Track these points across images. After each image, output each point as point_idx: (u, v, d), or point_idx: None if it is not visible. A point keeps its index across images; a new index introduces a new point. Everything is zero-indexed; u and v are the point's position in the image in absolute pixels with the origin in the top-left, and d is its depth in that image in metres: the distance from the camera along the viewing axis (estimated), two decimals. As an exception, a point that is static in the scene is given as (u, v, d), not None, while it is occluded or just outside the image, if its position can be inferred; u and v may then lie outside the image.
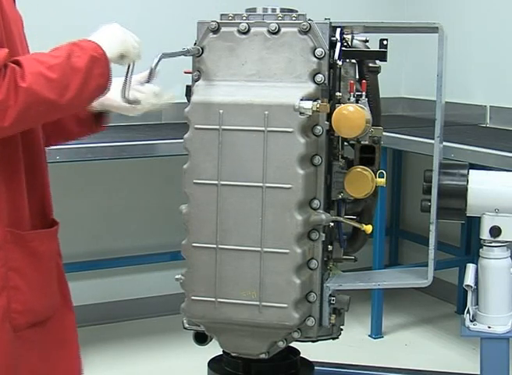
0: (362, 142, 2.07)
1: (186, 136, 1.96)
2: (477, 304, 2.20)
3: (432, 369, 2.82)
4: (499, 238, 2.13)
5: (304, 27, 1.94)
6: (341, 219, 2.08)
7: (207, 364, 2.20)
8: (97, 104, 1.88)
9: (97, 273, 4.26)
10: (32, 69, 1.53)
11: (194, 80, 2.03)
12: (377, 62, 2.14)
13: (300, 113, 1.84)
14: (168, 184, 4.06)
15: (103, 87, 1.66)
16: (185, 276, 2.00)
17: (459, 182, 2.12)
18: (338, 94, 2.00)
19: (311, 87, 1.93)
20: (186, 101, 2.04)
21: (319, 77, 1.94)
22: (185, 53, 1.95)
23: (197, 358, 2.32)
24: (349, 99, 2.02)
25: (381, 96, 2.18)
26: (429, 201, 2.07)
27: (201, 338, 2.15)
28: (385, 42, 2.04)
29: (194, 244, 1.97)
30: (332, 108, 1.91)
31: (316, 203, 1.96)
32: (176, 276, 2.04)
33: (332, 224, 2.05)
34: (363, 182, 2.01)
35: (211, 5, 3.94)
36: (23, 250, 1.68)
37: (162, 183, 4.32)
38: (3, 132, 1.55)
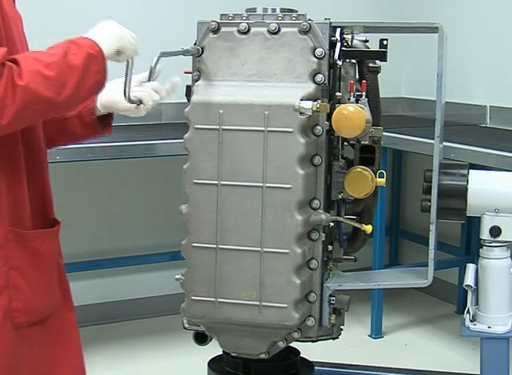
0: (362, 142, 2.07)
1: (186, 136, 1.96)
2: (477, 304, 2.20)
3: (432, 369, 2.82)
4: (499, 238, 2.13)
5: (304, 27, 1.94)
6: (341, 219, 2.09)
7: (207, 364, 2.20)
8: (101, 107, 1.88)
9: (97, 273, 4.26)
10: (29, 67, 1.53)
11: (194, 80, 2.03)
12: (377, 62, 2.14)
13: (300, 113, 1.84)
14: (168, 184, 4.06)
15: (100, 84, 1.66)
16: (185, 276, 2.00)
17: (459, 182, 2.12)
18: (338, 94, 2.00)
19: (311, 87, 1.93)
20: (186, 101, 2.04)
21: (319, 77, 1.94)
22: (184, 53, 1.95)
23: (197, 358, 2.33)
24: (349, 99, 2.02)
25: (381, 96, 2.18)
26: (429, 201, 2.07)
27: (201, 338, 2.15)
28: (385, 42, 2.04)
29: (194, 244, 1.97)
30: (332, 108, 1.91)
31: (316, 203, 1.96)
32: (176, 276, 2.04)
33: (332, 224, 2.05)
34: (363, 182, 2.01)
35: (211, 5, 3.94)
36: (24, 249, 1.68)
37: (162, 183, 4.32)
38: (1, 130, 1.55)
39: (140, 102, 1.83)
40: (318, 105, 1.84)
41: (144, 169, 4.32)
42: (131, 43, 1.72)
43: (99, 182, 4.27)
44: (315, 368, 2.24)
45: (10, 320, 1.66)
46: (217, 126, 1.92)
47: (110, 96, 1.87)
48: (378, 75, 2.17)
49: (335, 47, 1.98)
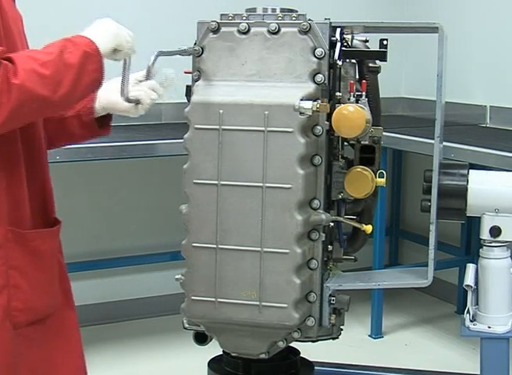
0: (362, 142, 2.07)
1: (186, 136, 1.96)
2: (477, 304, 2.20)
3: (432, 369, 2.82)
4: (499, 238, 2.13)
5: (304, 27, 1.94)
6: (341, 219, 2.08)
7: (207, 364, 2.20)
8: (99, 108, 1.88)
9: (97, 273, 4.26)
10: (25, 65, 1.53)
11: (194, 80, 2.03)
12: (377, 62, 2.14)
13: (300, 113, 1.84)
14: (168, 184, 4.06)
15: (97, 83, 1.65)
16: (185, 276, 2.00)
17: (459, 182, 2.12)
18: (338, 94, 2.00)
19: (311, 87, 1.93)
20: (186, 101, 2.04)
21: (319, 77, 1.94)
22: (181, 52, 1.95)
23: (197, 358, 2.32)
24: (349, 99, 2.02)
25: (381, 96, 2.18)
26: (429, 201, 2.07)
27: (201, 338, 2.15)
28: (385, 42, 2.04)
29: (194, 244, 1.97)
30: (332, 108, 1.91)
31: (316, 203, 1.96)
32: (176, 276, 2.04)
33: (332, 224, 2.04)
34: (363, 182, 2.01)
35: (211, 5, 3.94)
36: (23, 249, 1.68)
37: (162, 183, 4.32)
38: None
39: (138, 102, 1.83)
40: (318, 105, 1.84)
41: (143, 169, 4.32)
42: (128, 41, 1.71)
43: (99, 182, 4.27)
44: (315, 368, 2.24)
45: (10, 320, 1.66)
46: (217, 126, 1.92)
47: (108, 97, 1.86)
48: (378, 75, 2.17)
49: (335, 47, 1.98)
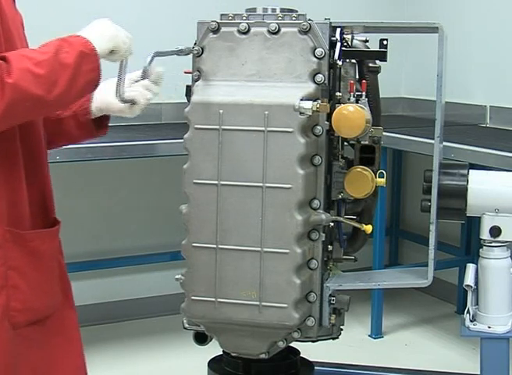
0: (362, 142, 2.07)
1: (186, 136, 1.96)
2: (477, 304, 2.20)
3: (432, 369, 2.82)
4: (499, 238, 2.13)
5: (304, 27, 1.94)
6: (341, 219, 2.08)
7: (207, 364, 2.20)
8: (95, 109, 1.87)
9: (97, 273, 4.27)
10: (19, 64, 1.52)
11: (194, 80, 2.02)
12: (377, 62, 2.14)
13: (300, 113, 1.84)
14: (168, 184, 4.06)
15: (93, 83, 1.64)
16: (185, 276, 2.00)
17: (459, 182, 2.12)
18: (338, 94, 2.00)
19: (311, 87, 1.93)
20: (186, 101, 2.04)
21: (319, 77, 1.94)
22: (178, 52, 1.94)
23: (197, 358, 2.32)
24: (349, 99, 2.02)
25: (381, 96, 2.18)
26: (429, 201, 2.07)
27: (201, 338, 2.15)
28: (385, 42, 2.04)
29: (194, 244, 1.97)
30: (332, 108, 1.91)
31: (316, 203, 1.96)
32: (176, 276, 2.04)
33: (332, 224, 2.04)
34: (363, 182, 2.01)
35: (211, 5, 3.95)
36: (22, 249, 1.67)
37: (162, 183, 4.32)
38: None
39: (133, 102, 1.82)
40: (318, 105, 1.84)
41: (144, 169, 4.32)
42: (125, 43, 1.70)
43: (99, 182, 4.27)
44: (315, 368, 2.24)
45: (8, 320, 1.66)
46: (217, 126, 1.92)
47: (103, 97, 1.86)
48: (378, 75, 2.17)
49: (335, 47, 1.97)
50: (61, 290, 1.81)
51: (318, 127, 1.94)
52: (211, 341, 2.14)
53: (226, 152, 1.92)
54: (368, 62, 2.14)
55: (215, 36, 2.00)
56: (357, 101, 2.00)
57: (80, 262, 4.07)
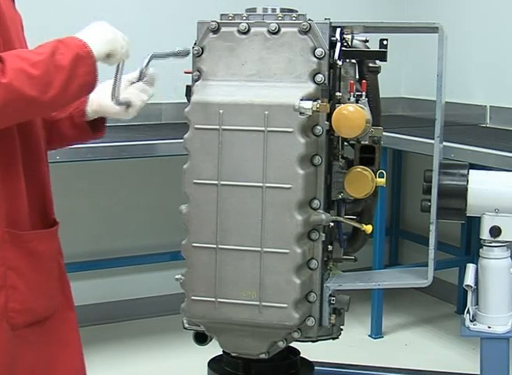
0: (362, 142, 2.07)
1: (186, 136, 1.96)
2: (477, 304, 2.20)
3: (432, 369, 2.82)
4: (499, 238, 2.13)
5: (304, 27, 1.94)
6: (341, 219, 2.08)
7: (207, 364, 2.20)
8: (90, 111, 1.87)
9: (97, 273, 4.27)
10: (14, 65, 1.51)
11: (194, 80, 2.03)
12: (377, 62, 2.14)
13: (300, 113, 1.84)
14: (168, 184, 4.06)
15: (89, 86, 1.63)
16: (185, 276, 2.00)
17: (459, 182, 2.12)
18: (338, 94, 2.00)
19: (311, 87, 1.93)
20: (186, 101, 2.04)
21: (319, 77, 1.94)
22: (176, 54, 1.93)
23: (197, 358, 2.32)
24: (349, 99, 2.02)
25: (381, 96, 2.18)
26: (429, 201, 2.07)
27: (201, 338, 2.15)
28: (385, 42, 2.04)
29: (194, 244, 1.97)
30: (332, 108, 1.91)
31: (316, 203, 1.96)
32: (176, 276, 2.04)
33: (332, 224, 2.04)
34: (363, 182, 2.01)
35: (211, 5, 3.95)
36: (20, 250, 1.67)
37: (162, 183, 4.32)
38: None
39: (129, 105, 1.82)
40: (318, 105, 1.84)
41: (143, 169, 4.32)
42: (122, 46, 1.69)
43: (99, 182, 4.27)
44: (315, 368, 2.24)
45: (7, 321, 1.65)
46: (217, 126, 1.92)
47: (98, 100, 1.85)
48: (378, 75, 2.17)
49: (335, 47, 1.98)
50: (60, 290, 1.81)
51: (318, 127, 1.94)
52: (211, 341, 2.14)
53: (226, 152, 1.92)
54: (368, 62, 2.14)
55: (215, 36, 2.00)
56: (357, 101, 2.00)
57: (79, 262, 4.07)
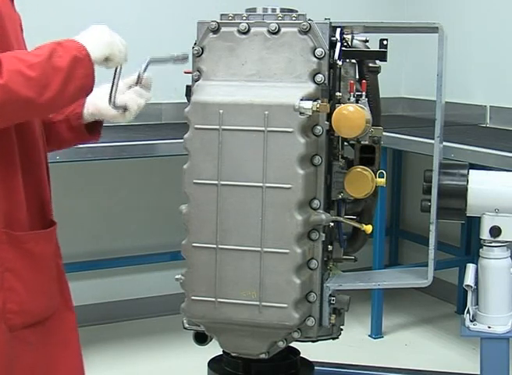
0: (362, 142, 2.07)
1: (186, 136, 1.96)
2: (477, 304, 2.20)
3: (432, 369, 2.82)
4: (499, 238, 2.13)
5: (304, 27, 1.94)
6: (341, 219, 2.08)
7: (207, 364, 2.20)
8: (87, 114, 1.87)
9: (97, 273, 4.27)
10: (11, 66, 1.51)
11: (194, 80, 2.03)
12: (377, 62, 2.14)
13: (300, 113, 1.84)
14: (168, 184, 4.07)
15: (86, 89, 1.63)
16: (185, 276, 2.00)
17: (459, 182, 2.12)
18: (338, 94, 2.00)
19: (311, 87, 1.93)
20: (186, 101, 2.04)
21: (319, 77, 1.94)
22: (173, 59, 1.92)
23: (197, 358, 2.33)
24: (349, 99, 2.02)
25: (381, 96, 2.18)
26: (429, 201, 2.07)
27: (201, 338, 2.15)
28: (385, 42, 2.04)
29: (194, 244, 1.97)
30: (332, 108, 1.91)
31: (316, 203, 1.96)
32: (176, 276, 2.04)
33: (332, 224, 2.05)
34: (363, 182, 2.01)
35: (211, 5, 3.95)
36: (18, 251, 1.66)
37: (162, 183, 4.32)
38: None
39: (125, 108, 1.82)
40: (318, 105, 1.84)
41: (144, 169, 4.32)
42: (121, 51, 1.69)
43: (99, 182, 4.27)
44: (315, 368, 2.24)
45: (4, 322, 1.65)
46: (217, 126, 1.92)
47: (95, 103, 1.85)
48: (378, 75, 2.17)
49: (335, 47, 1.98)
50: (59, 291, 1.80)
51: (318, 127, 1.94)
52: (211, 341, 2.14)
53: (226, 152, 1.92)
54: (368, 62, 2.14)
55: (215, 36, 2.00)
56: (357, 101, 2.00)
57: (79, 262, 4.07)
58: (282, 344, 2.01)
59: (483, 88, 4.55)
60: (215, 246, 1.95)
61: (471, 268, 2.23)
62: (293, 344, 2.12)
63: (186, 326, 2.13)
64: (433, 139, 2.06)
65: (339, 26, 2.00)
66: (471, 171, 2.15)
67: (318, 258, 1.99)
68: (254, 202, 1.91)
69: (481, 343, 2.19)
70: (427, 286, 2.07)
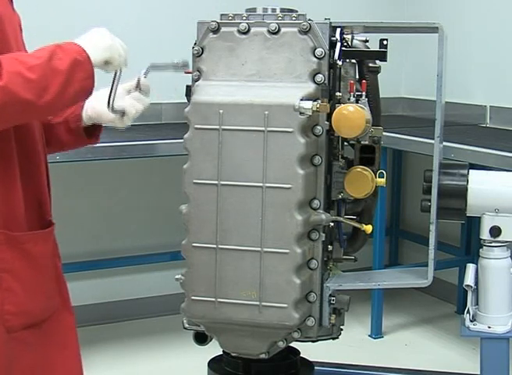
0: (362, 142, 2.07)
1: (186, 136, 1.96)
2: (477, 304, 2.20)
3: (432, 369, 2.82)
4: (499, 238, 2.13)
5: (304, 27, 1.94)
6: (341, 219, 2.08)
7: (207, 364, 2.20)
8: (86, 117, 1.87)
9: (97, 273, 4.27)
10: (10, 68, 1.51)
11: (194, 80, 2.03)
12: (377, 62, 2.14)
13: (300, 113, 1.84)
14: (168, 184, 4.07)
15: (85, 91, 1.63)
16: (185, 276, 2.00)
17: (459, 182, 2.12)
18: (338, 94, 2.00)
19: (311, 87, 1.93)
20: (186, 101, 2.04)
21: (319, 77, 1.94)
22: (174, 66, 1.92)
23: (197, 358, 2.33)
24: (349, 99, 2.02)
25: (381, 96, 2.18)
26: (429, 201, 2.07)
27: (201, 338, 2.15)
28: (385, 42, 2.04)
29: (194, 244, 1.97)
30: (332, 108, 1.91)
31: (316, 203, 1.96)
32: (176, 276, 2.04)
33: (332, 224, 2.04)
34: (363, 182, 2.01)
35: (211, 5, 3.95)
36: (16, 251, 1.66)
37: (162, 183, 4.32)
38: None
39: (124, 113, 1.82)
40: (318, 105, 1.84)
41: (144, 169, 4.32)
42: (120, 55, 1.69)
43: (99, 182, 4.27)
44: (315, 368, 2.24)
45: (2, 323, 1.65)
46: (217, 126, 1.92)
47: (94, 107, 1.85)
48: (378, 75, 2.17)
49: (335, 47, 1.98)
50: (57, 292, 1.80)
51: (318, 127, 1.94)
52: (211, 341, 2.14)
53: (226, 152, 1.92)
54: (368, 62, 2.14)
55: (215, 36, 2.00)
56: (357, 101, 2.00)
57: (79, 262, 4.07)
58: (282, 344, 2.01)
59: (483, 88, 4.56)
60: (215, 246, 1.95)
61: (471, 268, 2.23)
62: (293, 344, 2.12)
63: (186, 326, 2.13)
64: (433, 139, 2.06)
65: (339, 26, 2.00)
66: (471, 171, 2.15)
67: (318, 258, 1.99)
68: (254, 202, 1.91)
69: (481, 343, 2.19)
70: (427, 286, 2.07)
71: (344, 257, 2.16)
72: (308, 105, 1.83)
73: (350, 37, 2.12)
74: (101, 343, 3.97)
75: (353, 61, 2.13)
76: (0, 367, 1.66)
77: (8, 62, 1.52)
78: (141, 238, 4.39)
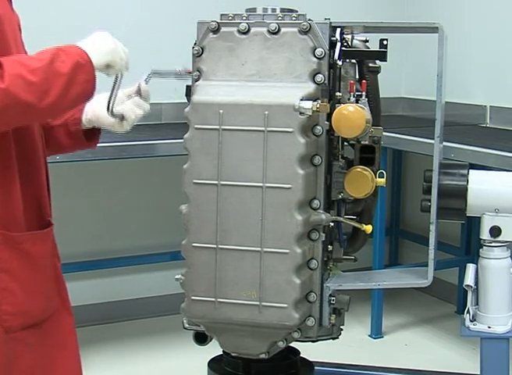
0: (362, 142, 2.07)
1: (186, 136, 1.96)
2: (477, 304, 2.20)
3: (432, 369, 2.82)
4: (499, 238, 2.13)
5: (304, 27, 1.94)
6: (341, 219, 2.08)
7: (207, 364, 2.20)
8: (85, 121, 1.87)
9: (97, 273, 4.27)
10: (12, 70, 1.51)
11: (194, 80, 2.02)
12: (377, 62, 2.14)
13: (300, 113, 1.84)
14: (168, 184, 4.07)
15: (86, 95, 1.64)
16: (185, 276, 2.00)
17: (459, 182, 2.12)
18: (338, 94, 2.00)
19: (311, 87, 1.93)
20: (186, 101, 2.04)
21: (319, 77, 1.94)
22: (175, 74, 1.91)
23: (197, 358, 2.32)
24: (349, 99, 2.02)
25: (381, 96, 2.18)
26: (429, 201, 2.07)
27: (201, 338, 2.15)
28: (385, 42, 2.04)
29: (194, 244, 1.97)
30: (332, 108, 1.91)
31: (316, 203, 1.96)
32: (176, 276, 2.04)
33: (332, 224, 2.04)
34: (363, 182, 2.01)
35: (211, 5, 3.95)
36: (14, 251, 1.66)
37: (162, 183, 4.32)
38: None
39: (123, 117, 1.82)
40: (318, 105, 1.84)
41: (144, 169, 4.32)
42: (122, 58, 1.70)
43: (99, 182, 4.27)
44: (315, 368, 2.24)
45: (1, 324, 1.65)
46: (217, 126, 1.92)
47: (94, 110, 1.85)
48: (378, 75, 2.17)
49: (335, 47, 1.98)
50: (56, 292, 1.80)
51: (318, 127, 1.94)
52: (211, 341, 2.14)
53: (226, 152, 1.92)
54: (368, 62, 2.14)
55: (215, 36, 2.00)
56: (357, 101, 2.00)
57: (79, 262, 4.07)
58: (282, 344, 2.01)
59: (483, 88, 4.56)
60: (215, 246, 1.95)
61: (471, 268, 2.23)
62: (293, 344, 2.12)
63: (186, 326, 2.13)
64: (433, 139, 2.06)
65: (339, 26, 2.00)
66: (471, 171, 2.15)
67: (318, 258, 1.99)
68: (254, 202, 1.91)
69: (481, 343, 2.19)
70: (427, 286, 2.07)
71: (344, 257, 2.16)
72: (308, 105, 1.83)
73: (350, 37, 2.12)
74: (101, 343, 3.97)
75: (353, 61, 2.13)
76: (0, 368, 1.66)
77: (11, 64, 1.52)
78: (141, 238, 4.39)
